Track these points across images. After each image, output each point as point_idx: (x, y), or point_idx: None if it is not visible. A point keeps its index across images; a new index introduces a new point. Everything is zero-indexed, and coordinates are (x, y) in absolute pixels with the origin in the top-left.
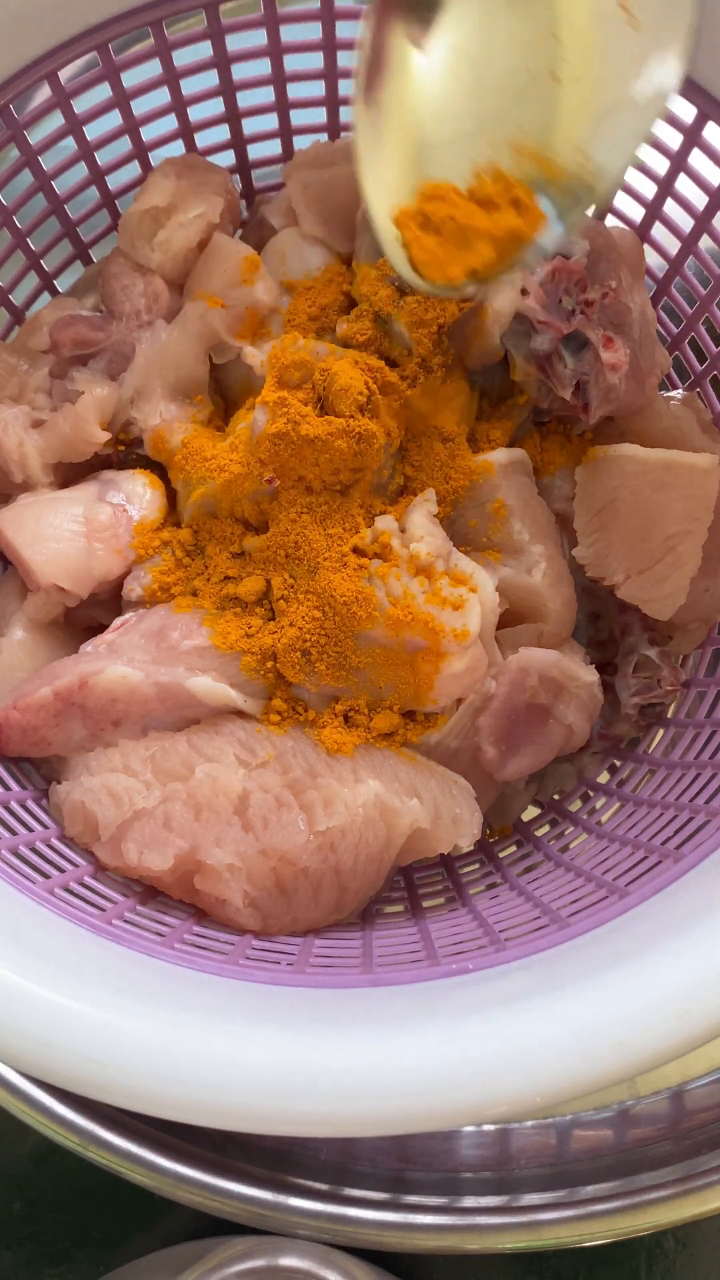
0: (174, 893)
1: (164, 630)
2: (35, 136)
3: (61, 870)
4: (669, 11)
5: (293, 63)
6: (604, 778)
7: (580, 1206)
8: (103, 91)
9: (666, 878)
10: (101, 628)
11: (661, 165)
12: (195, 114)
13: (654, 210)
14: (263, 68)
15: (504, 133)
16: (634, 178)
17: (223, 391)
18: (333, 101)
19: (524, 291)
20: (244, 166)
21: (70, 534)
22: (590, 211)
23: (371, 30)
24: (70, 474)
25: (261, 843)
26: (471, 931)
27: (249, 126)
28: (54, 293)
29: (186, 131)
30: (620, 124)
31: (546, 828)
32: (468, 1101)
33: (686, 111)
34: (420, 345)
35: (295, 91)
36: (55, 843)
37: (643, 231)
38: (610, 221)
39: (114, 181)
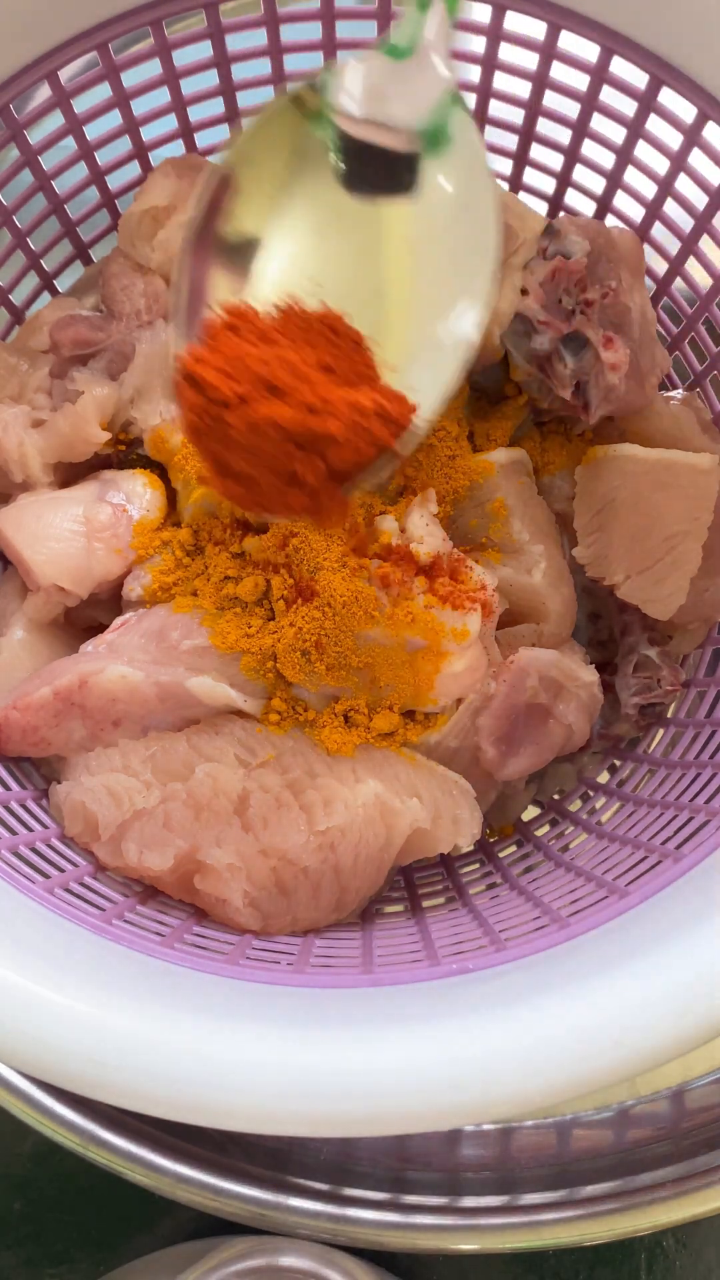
0: (174, 893)
1: (164, 630)
2: (35, 136)
3: (61, 870)
4: (473, 267)
5: (293, 63)
6: (604, 778)
7: (580, 1206)
8: (103, 91)
9: (666, 878)
10: (101, 628)
11: (661, 165)
12: (195, 114)
13: (654, 210)
14: (263, 68)
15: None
16: (634, 178)
17: None
18: None
19: (524, 291)
20: None
21: (70, 534)
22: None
23: (187, 279)
24: (70, 474)
25: (261, 842)
26: (471, 931)
27: None
28: (54, 293)
29: (186, 131)
30: (430, 363)
31: (546, 828)
32: (468, 1101)
33: (686, 111)
34: None
35: None
36: (55, 843)
37: (643, 231)
38: (610, 221)
39: (114, 181)
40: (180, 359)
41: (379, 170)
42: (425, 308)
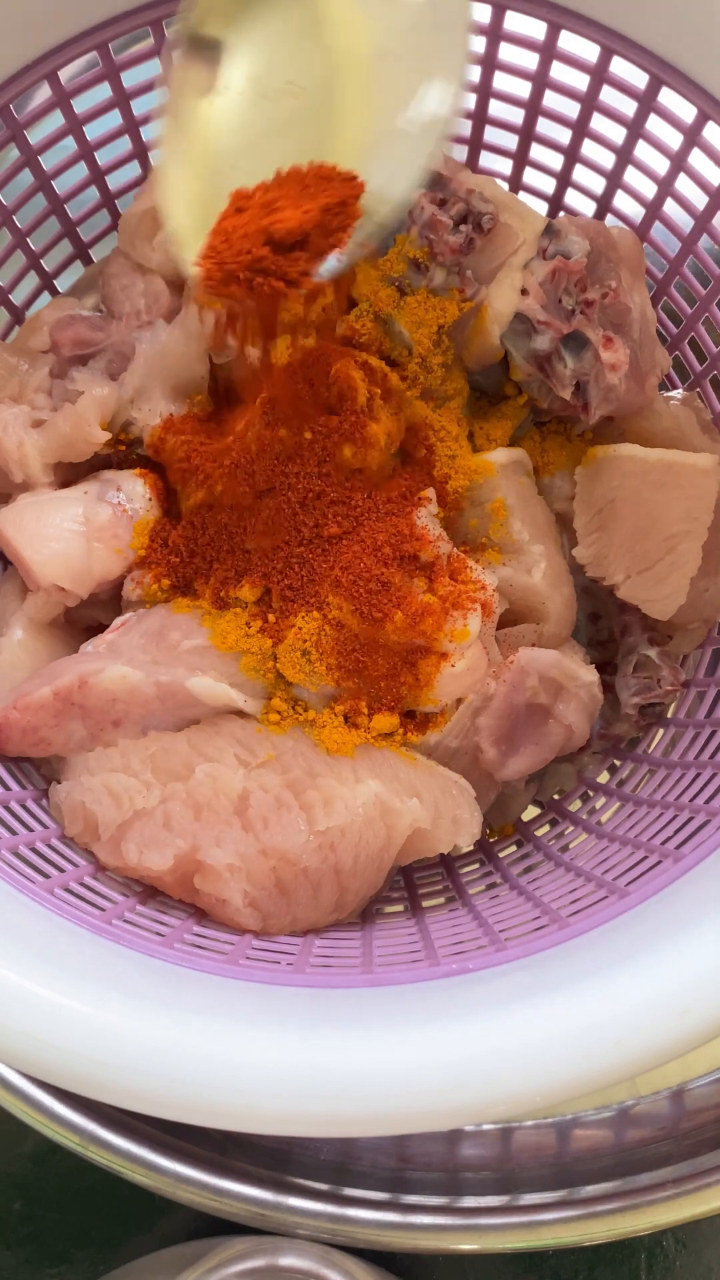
0: (174, 893)
1: (164, 630)
2: (35, 136)
3: (61, 870)
4: (441, 43)
5: None
6: (604, 778)
7: (580, 1206)
8: (103, 91)
9: (666, 878)
10: (101, 628)
11: (661, 165)
12: None
13: (654, 210)
14: None
15: (288, 150)
16: (634, 178)
17: (223, 391)
18: None
19: (524, 291)
20: None
21: (70, 534)
22: (372, 229)
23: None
24: (70, 474)
25: (261, 842)
26: (471, 931)
27: None
28: (54, 293)
29: None
30: (395, 151)
31: (546, 828)
32: (468, 1101)
33: (686, 111)
34: (420, 345)
35: None
36: (55, 843)
37: (643, 231)
38: (610, 221)
39: (114, 181)
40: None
41: None
42: (388, 92)
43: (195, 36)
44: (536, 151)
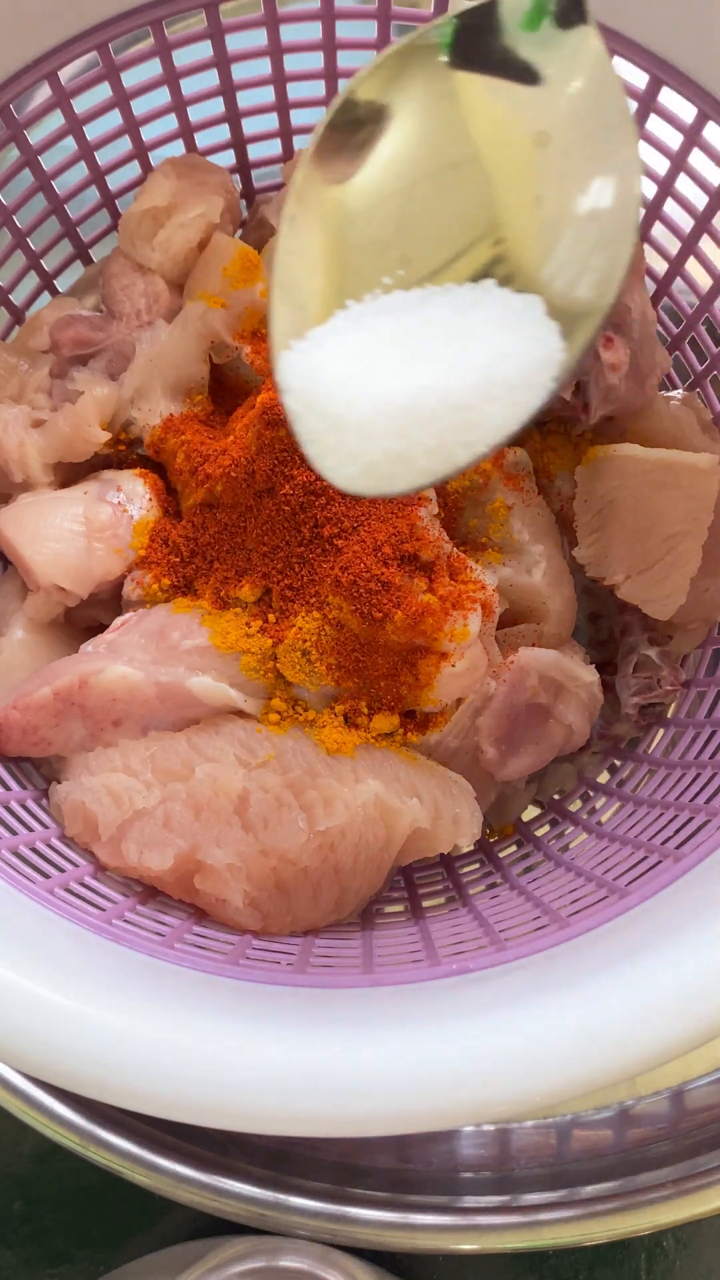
0: (174, 893)
1: (164, 630)
2: (35, 136)
3: (61, 870)
4: (610, 136)
5: (293, 63)
6: (604, 778)
7: (580, 1206)
8: (103, 91)
9: (666, 878)
10: (101, 628)
11: (661, 165)
12: (195, 114)
13: (654, 210)
14: (263, 68)
15: (431, 235)
16: None
17: (223, 391)
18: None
19: None
20: (244, 166)
21: (70, 534)
22: (591, 332)
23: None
24: (70, 474)
25: (261, 842)
26: (471, 931)
27: (249, 126)
28: (54, 293)
29: (186, 131)
30: (576, 252)
31: (546, 828)
32: (468, 1101)
33: (686, 111)
34: None
35: (295, 91)
36: (55, 843)
37: (643, 231)
38: None
39: (114, 181)
40: None
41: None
42: (556, 180)
43: (348, 102)
44: None
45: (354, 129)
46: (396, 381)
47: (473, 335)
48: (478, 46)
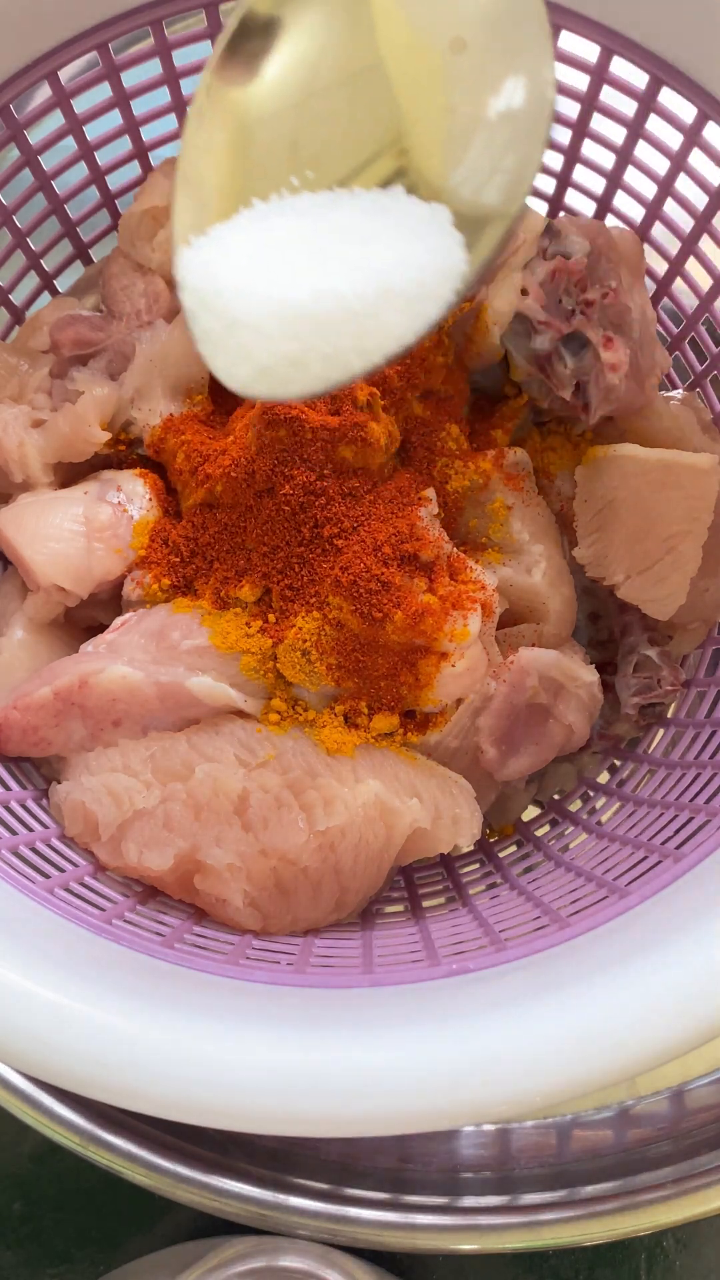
0: (174, 892)
1: (164, 630)
2: (35, 136)
3: (61, 870)
4: (520, 35)
5: None
6: (604, 778)
7: (580, 1206)
8: (103, 91)
9: (666, 878)
10: (101, 628)
11: (661, 165)
12: None
13: (654, 210)
14: None
15: (334, 144)
16: (634, 178)
17: (223, 391)
18: None
19: (524, 291)
20: None
21: (70, 534)
22: (495, 240)
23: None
24: (70, 474)
25: (261, 842)
26: (471, 931)
27: None
28: (54, 293)
29: None
30: (484, 155)
31: (546, 828)
32: (468, 1101)
33: (687, 111)
34: (420, 345)
35: None
36: (55, 843)
37: (643, 231)
38: (610, 221)
39: (114, 181)
40: None
41: None
42: (464, 85)
43: (247, 16)
44: None
45: (253, 38)
46: (296, 284)
47: (376, 242)
48: None
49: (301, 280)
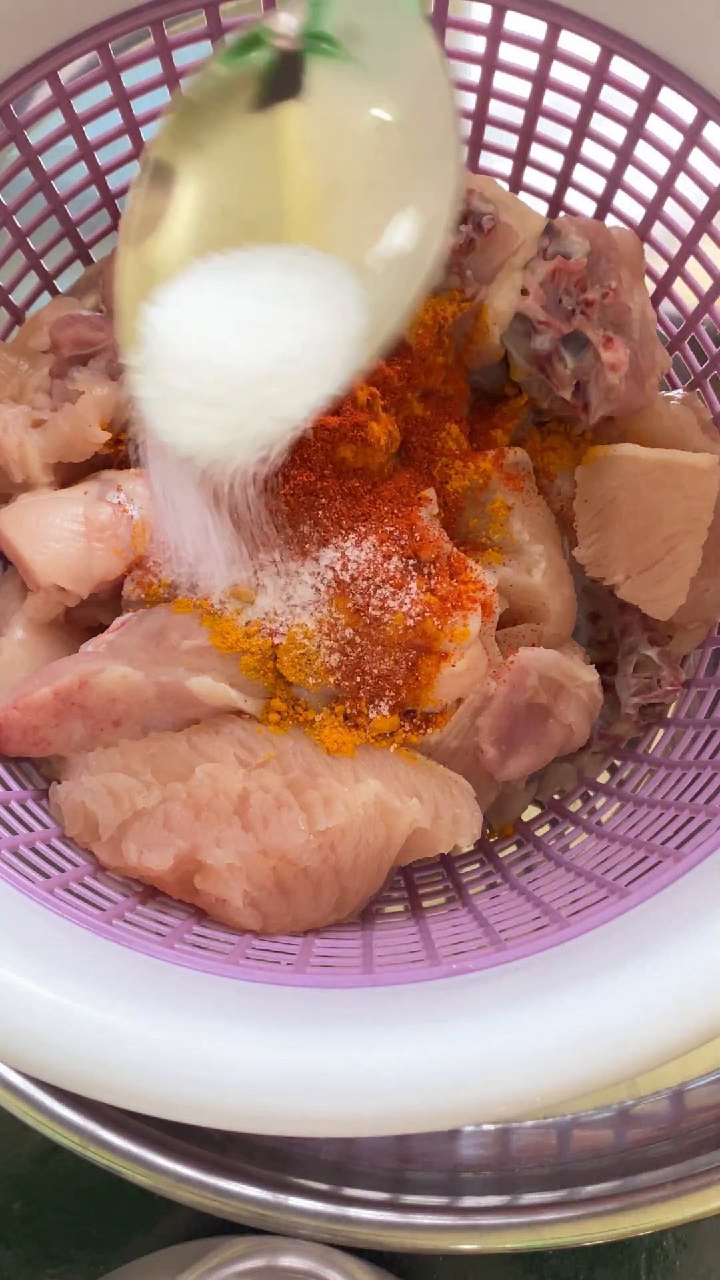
0: (174, 892)
1: (164, 630)
2: (35, 136)
3: (61, 870)
4: (427, 171)
5: None
6: (604, 778)
7: (580, 1206)
8: (103, 91)
9: (667, 877)
10: (102, 628)
11: (661, 165)
12: None
13: (654, 210)
14: None
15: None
16: (634, 178)
17: None
18: None
19: (524, 291)
20: None
21: (70, 534)
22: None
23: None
24: (70, 474)
25: (261, 842)
26: (471, 931)
27: None
28: (54, 293)
29: None
30: (384, 283)
31: (546, 828)
32: (468, 1101)
33: (687, 111)
34: (420, 345)
35: None
36: (55, 843)
37: (643, 231)
38: (610, 221)
39: (114, 181)
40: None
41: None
42: (360, 224)
43: (157, 162)
44: (536, 151)
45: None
46: (226, 348)
47: (290, 302)
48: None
49: (231, 342)
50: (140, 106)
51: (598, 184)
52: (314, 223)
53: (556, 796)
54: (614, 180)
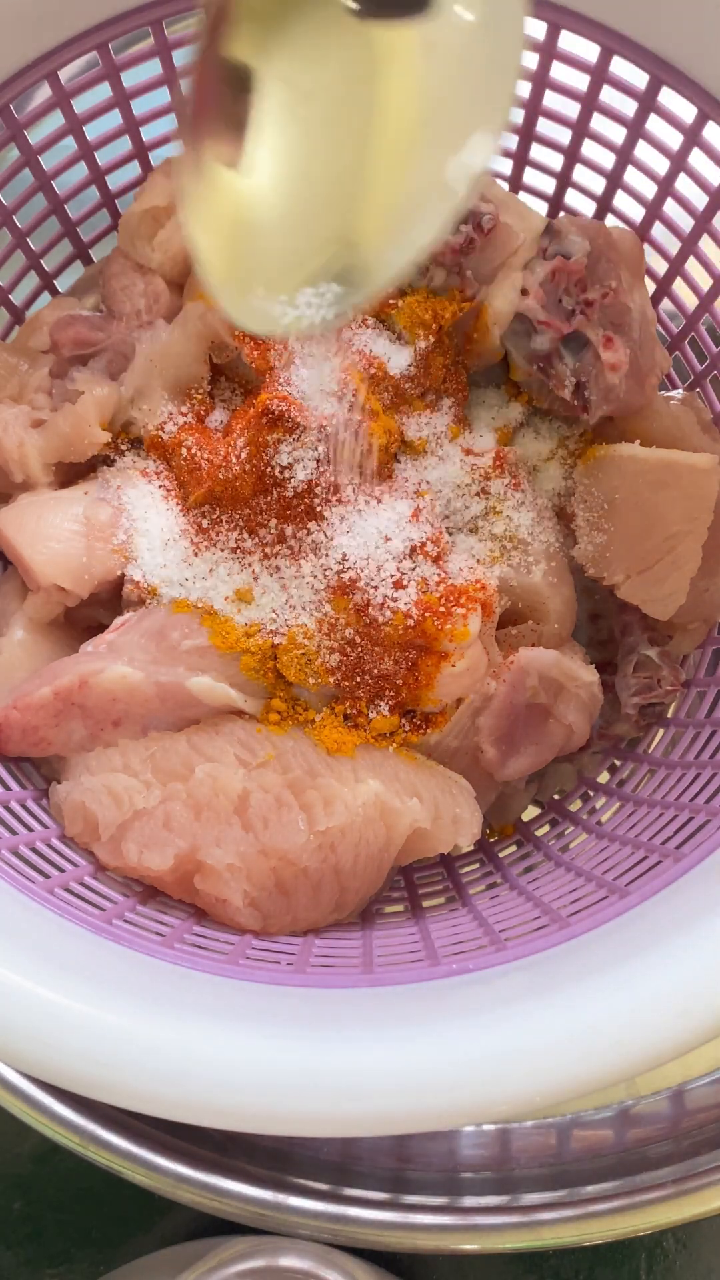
0: (174, 893)
1: (164, 630)
2: (35, 136)
3: (61, 870)
4: (490, 87)
5: None
6: (604, 777)
7: (580, 1206)
8: (103, 91)
9: (667, 877)
10: (101, 627)
11: (661, 165)
12: None
13: (654, 210)
14: None
15: (324, 229)
16: (634, 178)
17: (223, 390)
18: None
19: (524, 291)
20: None
21: (70, 533)
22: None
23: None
24: (70, 474)
25: (261, 842)
26: (471, 931)
27: None
28: (54, 293)
29: None
30: (427, 203)
31: (546, 827)
32: (468, 1101)
33: (686, 111)
34: (420, 345)
35: None
36: (55, 843)
37: (643, 231)
38: (610, 221)
39: (114, 181)
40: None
41: None
42: (432, 143)
43: (223, 62)
44: (536, 151)
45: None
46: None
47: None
48: None
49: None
50: (140, 107)
51: (598, 184)
52: (407, 138)
53: (556, 796)
54: (614, 180)
